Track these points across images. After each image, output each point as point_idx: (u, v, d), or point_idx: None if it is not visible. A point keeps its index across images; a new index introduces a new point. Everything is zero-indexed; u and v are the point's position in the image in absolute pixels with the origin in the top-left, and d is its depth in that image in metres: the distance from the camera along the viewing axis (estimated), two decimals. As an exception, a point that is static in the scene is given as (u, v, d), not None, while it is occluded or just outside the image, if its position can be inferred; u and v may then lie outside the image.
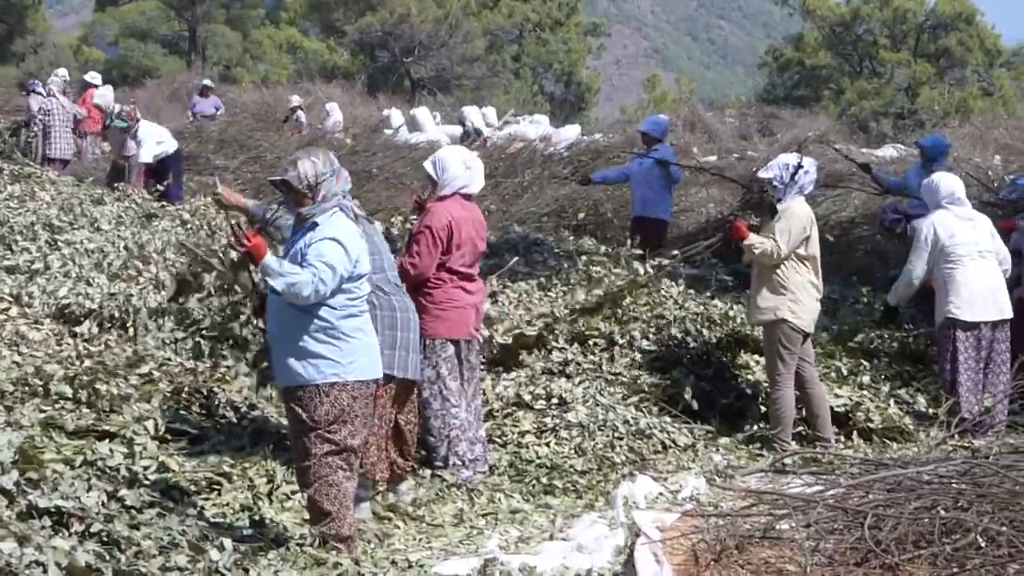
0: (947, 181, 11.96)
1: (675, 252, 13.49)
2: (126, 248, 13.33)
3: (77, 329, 10.94)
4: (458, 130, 36.94)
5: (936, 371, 12.11)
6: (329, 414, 7.49)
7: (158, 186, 18.75)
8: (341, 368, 7.49)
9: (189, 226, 14.96)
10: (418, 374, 9.30)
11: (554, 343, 12.14)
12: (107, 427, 8.91)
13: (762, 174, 11.49)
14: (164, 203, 17.23)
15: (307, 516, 7.82)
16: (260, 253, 7.40)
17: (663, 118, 19.77)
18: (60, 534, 6.31)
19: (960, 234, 11.57)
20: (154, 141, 19.89)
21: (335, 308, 7.50)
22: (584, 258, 14.22)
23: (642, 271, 12.81)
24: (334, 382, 7.48)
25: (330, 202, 7.56)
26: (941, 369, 11.79)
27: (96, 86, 25.84)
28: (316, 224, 7.52)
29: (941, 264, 11.54)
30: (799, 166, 11.07)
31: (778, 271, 10.99)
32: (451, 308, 9.67)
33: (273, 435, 9.68)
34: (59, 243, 13.44)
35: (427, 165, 10.06)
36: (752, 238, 11.00)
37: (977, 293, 11.52)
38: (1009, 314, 11.66)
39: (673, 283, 13.45)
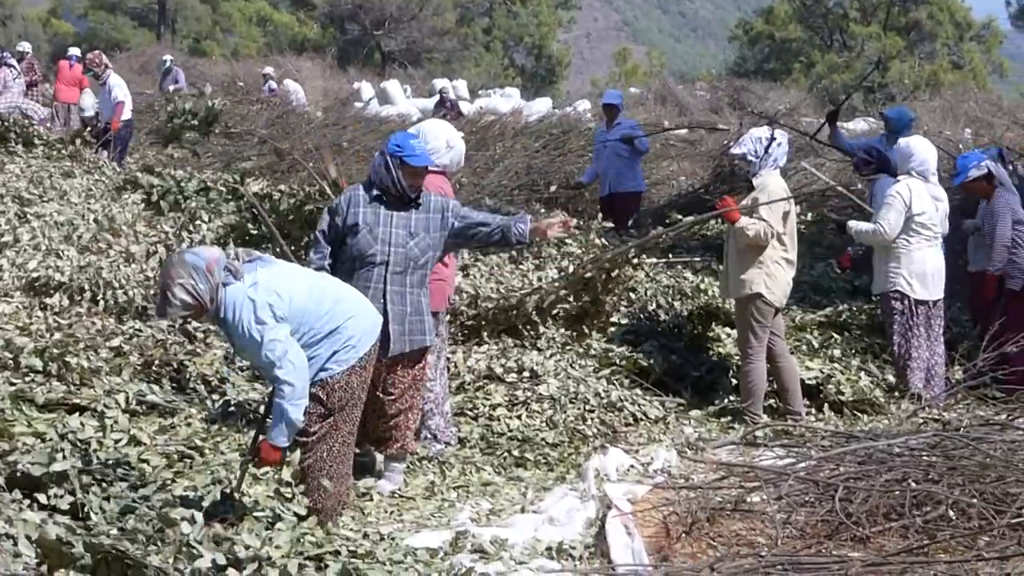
0: (923, 149, 11.94)
1: (660, 229, 13.37)
2: (96, 221, 13.28)
3: (47, 301, 10.90)
4: (429, 103, 36.74)
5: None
6: (343, 399, 7.53)
7: (122, 162, 18.76)
8: (350, 352, 7.52)
9: (154, 199, 14.90)
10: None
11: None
12: (78, 400, 8.89)
13: (735, 150, 11.46)
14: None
15: (279, 489, 7.80)
16: (270, 453, 7.28)
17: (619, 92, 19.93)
18: (30, 507, 6.29)
19: (928, 213, 11.62)
20: (123, 90, 19.97)
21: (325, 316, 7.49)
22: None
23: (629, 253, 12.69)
24: (343, 369, 7.50)
25: (220, 290, 7.16)
26: (891, 341, 11.86)
27: (70, 58, 25.80)
28: (223, 318, 7.21)
29: (901, 234, 11.58)
30: (772, 139, 11.06)
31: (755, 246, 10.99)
32: (433, 281, 9.62)
33: (245, 409, 9.66)
34: (28, 216, 13.39)
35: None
36: (743, 221, 10.92)
37: (928, 272, 11.63)
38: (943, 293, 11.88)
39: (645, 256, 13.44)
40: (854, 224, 11.94)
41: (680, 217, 12.94)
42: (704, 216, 12.55)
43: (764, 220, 10.84)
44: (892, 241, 11.52)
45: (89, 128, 20.90)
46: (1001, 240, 12.03)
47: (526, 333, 11.95)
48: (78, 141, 19.04)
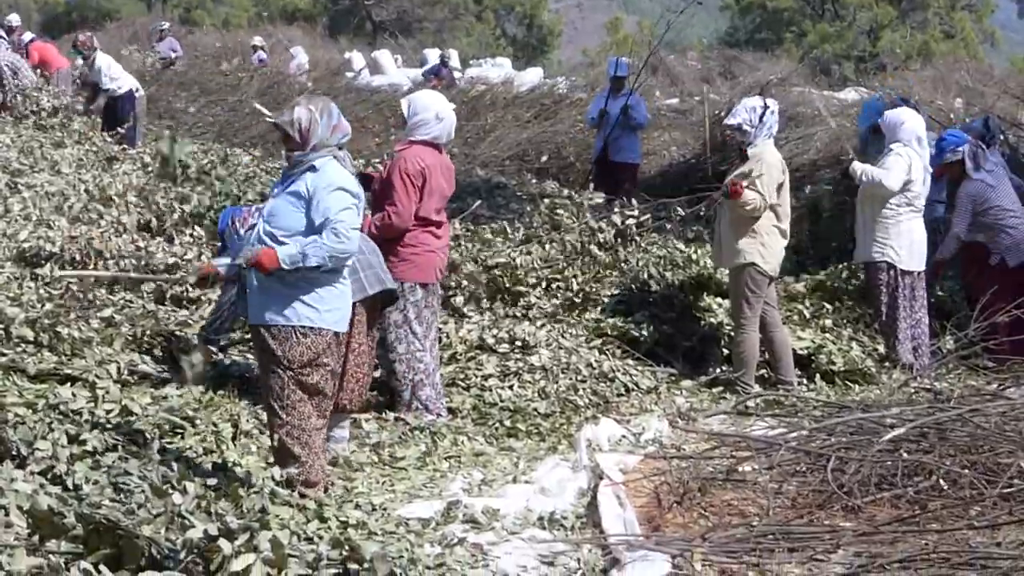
0: (911, 117, 11.96)
1: (680, 205, 13.31)
2: (87, 191, 13.25)
3: (38, 272, 10.87)
4: (420, 72, 36.56)
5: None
6: (304, 356, 7.44)
7: (119, 129, 18.62)
8: (316, 314, 7.44)
9: (150, 169, 14.85)
10: (391, 282, 9.21)
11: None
12: (69, 371, 8.88)
13: (730, 120, 11.45)
14: (124, 147, 17.14)
15: (272, 459, 7.80)
16: (270, 259, 7.32)
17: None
18: (22, 477, 6.28)
19: (918, 183, 11.65)
20: (109, 74, 19.76)
21: None
22: (547, 201, 14.19)
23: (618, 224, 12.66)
24: (310, 326, 7.44)
25: (320, 151, 7.48)
26: (877, 311, 11.90)
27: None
28: (315, 167, 7.45)
29: (891, 203, 11.59)
30: (765, 107, 11.07)
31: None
32: (422, 252, 9.66)
33: (237, 379, 9.65)
34: (19, 186, 13.34)
35: (403, 103, 10.11)
36: (745, 195, 10.93)
37: (915, 244, 11.69)
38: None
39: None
40: (859, 166, 11.89)
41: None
42: (714, 195, 12.43)
43: (759, 192, 10.85)
44: (891, 192, 11.53)
45: (85, 94, 20.72)
46: (956, 231, 12.08)
47: (524, 291, 11.94)
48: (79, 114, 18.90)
